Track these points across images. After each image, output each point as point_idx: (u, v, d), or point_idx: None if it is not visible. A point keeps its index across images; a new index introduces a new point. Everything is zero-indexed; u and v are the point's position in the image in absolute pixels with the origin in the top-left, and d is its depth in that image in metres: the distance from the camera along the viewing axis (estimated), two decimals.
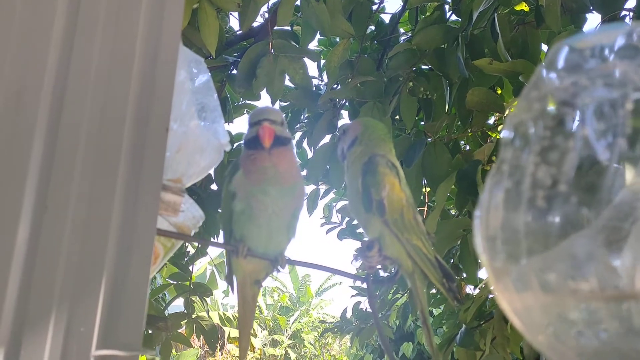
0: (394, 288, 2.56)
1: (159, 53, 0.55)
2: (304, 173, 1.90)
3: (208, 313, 2.43)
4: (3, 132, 0.49)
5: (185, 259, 2.19)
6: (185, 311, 2.11)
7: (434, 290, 2.13)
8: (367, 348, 7.45)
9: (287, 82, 1.83)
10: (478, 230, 0.41)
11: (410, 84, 1.78)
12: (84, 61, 0.52)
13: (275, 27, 1.79)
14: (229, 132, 1.87)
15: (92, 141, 0.51)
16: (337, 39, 1.90)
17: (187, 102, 0.81)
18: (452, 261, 1.99)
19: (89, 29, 0.53)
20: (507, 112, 1.77)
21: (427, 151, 1.71)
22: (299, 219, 1.07)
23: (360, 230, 2.54)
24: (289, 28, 1.95)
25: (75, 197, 0.49)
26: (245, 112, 2.13)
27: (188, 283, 2.12)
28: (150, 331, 1.94)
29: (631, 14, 1.53)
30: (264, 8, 1.83)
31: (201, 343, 9.74)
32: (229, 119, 2.01)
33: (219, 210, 1.89)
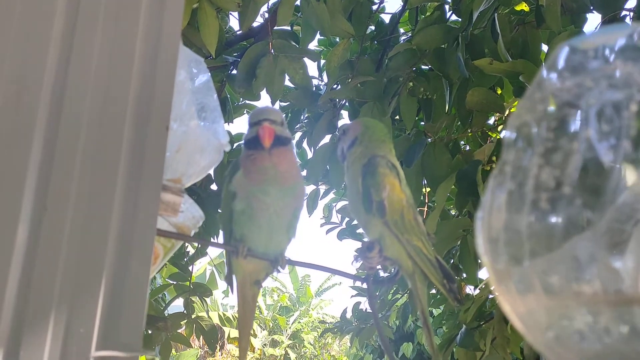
0: (394, 288, 2.56)
1: (159, 52, 0.55)
2: (303, 173, 1.90)
3: (208, 313, 2.43)
4: (2, 132, 0.49)
5: (185, 259, 2.19)
6: (185, 311, 2.11)
7: (433, 291, 2.13)
8: (367, 348, 7.45)
9: (287, 82, 1.83)
10: (480, 231, 0.41)
11: (410, 84, 1.78)
12: (84, 60, 0.52)
13: (275, 27, 1.79)
14: (229, 132, 1.87)
15: (91, 140, 0.51)
16: (337, 39, 1.90)
17: (187, 102, 0.81)
18: (452, 261, 1.99)
19: (88, 28, 0.53)
20: (507, 112, 1.77)
21: (427, 151, 1.71)
22: (299, 219, 1.07)
23: (360, 230, 2.54)
24: (289, 28, 1.95)
25: (74, 197, 0.49)
26: (245, 112, 2.13)
27: (188, 283, 2.12)
28: (149, 331, 1.94)
29: (631, 14, 1.53)
30: (264, 8, 1.83)
31: (201, 343, 9.75)
32: (228, 119, 2.01)
33: (219, 211, 1.89)
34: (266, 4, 1.79)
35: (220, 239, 1.95)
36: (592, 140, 0.35)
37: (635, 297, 0.34)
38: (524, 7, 1.83)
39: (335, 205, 2.74)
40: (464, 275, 1.87)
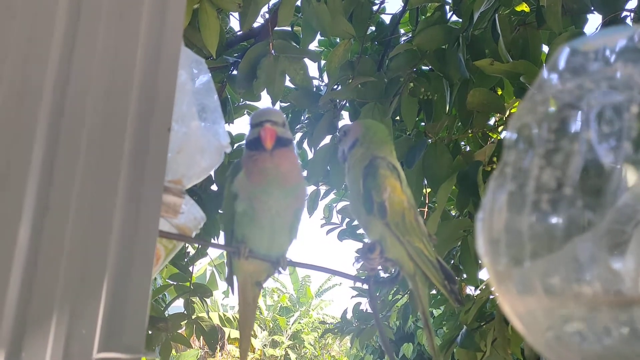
0: (395, 289, 2.56)
1: (161, 53, 0.55)
2: (304, 174, 1.90)
3: (208, 314, 2.43)
4: (4, 132, 0.49)
5: (185, 260, 2.19)
6: (185, 312, 2.11)
7: (434, 292, 2.13)
8: (368, 349, 7.45)
9: (288, 83, 1.83)
10: (481, 233, 0.41)
11: (411, 84, 1.78)
12: (86, 61, 0.52)
13: (276, 28, 1.79)
14: (229, 133, 1.87)
15: (93, 141, 0.51)
16: (338, 40, 1.90)
17: (187, 103, 0.81)
18: (452, 262, 1.99)
19: (90, 29, 0.53)
20: (507, 113, 1.77)
21: (427, 152, 1.71)
22: (300, 220, 1.07)
23: (361, 231, 2.54)
24: (289, 29, 1.95)
25: (76, 198, 0.49)
26: (245, 112, 2.13)
27: (188, 284, 2.12)
28: (150, 332, 1.94)
29: (632, 14, 1.53)
30: (265, 8, 1.83)
31: (201, 344, 9.74)
32: (229, 119, 2.01)
33: (219, 211, 1.89)
34: (267, 5, 1.79)
35: (221, 240, 1.95)
36: (592, 141, 0.35)
37: (635, 298, 0.34)
38: (524, 7, 1.83)
39: (336, 206, 2.74)
40: (465, 275, 1.87)
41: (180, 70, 0.65)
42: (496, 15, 1.64)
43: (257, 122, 1.03)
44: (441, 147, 1.72)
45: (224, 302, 12.25)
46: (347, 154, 1.15)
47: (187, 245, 2.10)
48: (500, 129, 1.89)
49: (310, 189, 2.34)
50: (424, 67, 1.86)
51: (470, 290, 2.30)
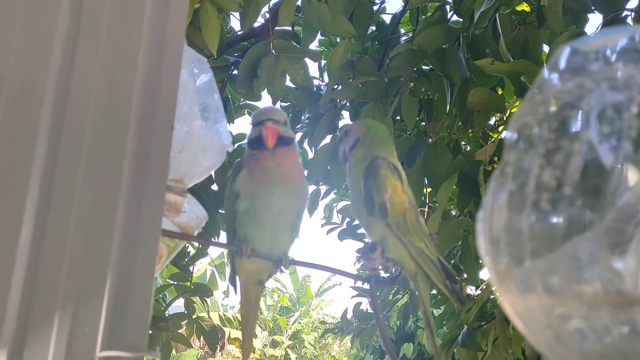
0: (395, 289, 2.56)
1: (163, 52, 0.55)
2: (305, 173, 1.89)
3: (208, 314, 2.43)
4: (6, 131, 0.49)
5: (186, 260, 2.19)
6: (185, 312, 2.11)
7: (434, 291, 2.13)
8: (368, 349, 7.45)
9: (288, 83, 1.83)
10: (481, 232, 0.41)
11: (412, 84, 1.78)
12: (88, 60, 0.52)
13: (277, 28, 1.79)
14: (230, 133, 1.87)
15: (96, 140, 0.51)
16: (338, 40, 1.90)
17: (189, 102, 0.81)
18: (452, 262, 1.99)
19: (92, 28, 0.53)
20: (508, 112, 1.77)
21: (428, 152, 1.71)
22: (302, 219, 1.07)
23: (361, 230, 2.54)
24: (290, 28, 1.95)
25: (79, 196, 0.49)
26: (246, 112, 2.13)
27: (188, 284, 2.12)
28: (150, 332, 1.94)
29: (633, 14, 1.53)
30: (265, 8, 1.83)
31: (201, 344, 9.74)
32: (230, 119, 2.01)
33: (220, 211, 1.89)
34: (267, 4, 1.79)
35: (222, 239, 1.95)
36: (593, 141, 0.35)
37: (636, 297, 0.34)
38: (525, 7, 1.83)
39: (336, 206, 2.74)
40: (465, 275, 1.87)
41: (181, 69, 0.65)
42: (497, 14, 1.64)
43: (259, 121, 1.03)
44: (442, 147, 1.72)
45: (224, 302, 12.27)
46: (348, 154, 1.15)
47: (187, 244, 2.10)
48: (500, 128, 1.89)
49: (311, 188, 2.34)
50: (424, 67, 1.86)
51: (471, 289, 2.31)
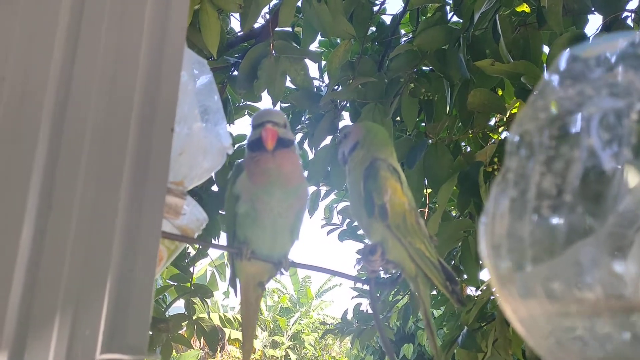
0: (395, 290, 2.56)
1: (163, 54, 0.55)
2: (305, 174, 1.89)
3: (209, 314, 2.43)
4: (7, 133, 0.49)
5: (186, 261, 2.19)
6: (185, 312, 2.11)
7: (434, 292, 2.13)
8: (368, 349, 7.44)
9: (288, 83, 1.83)
10: (483, 237, 0.41)
11: (412, 85, 1.78)
12: (88, 61, 0.52)
13: (277, 28, 1.79)
14: (230, 134, 1.87)
15: (96, 142, 0.51)
16: (338, 40, 1.90)
17: (189, 104, 0.81)
18: (452, 263, 1.99)
19: (93, 29, 0.53)
20: (508, 113, 1.77)
21: (428, 153, 1.71)
22: (302, 220, 1.07)
23: (361, 231, 2.54)
24: (290, 29, 1.95)
25: (79, 198, 0.49)
26: (246, 113, 2.13)
27: (189, 284, 2.11)
28: (151, 333, 1.94)
29: (633, 15, 1.53)
30: (265, 9, 1.83)
31: (201, 344, 9.73)
32: (230, 120, 2.01)
33: (220, 212, 1.89)
34: (267, 5, 1.79)
35: (222, 241, 1.95)
36: (593, 148, 0.35)
37: (637, 303, 0.34)
38: (525, 8, 1.83)
39: (336, 207, 2.74)
40: (465, 276, 1.87)
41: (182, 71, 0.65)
42: (497, 15, 1.64)
43: (259, 123, 1.03)
44: (442, 148, 1.72)
45: (225, 302, 12.26)
46: (348, 157, 1.15)
47: (187, 246, 2.10)
48: (500, 129, 1.89)
49: (311, 189, 2.34)
50: (424, 68, 1.86)
51: (471, 290, 2.30)
